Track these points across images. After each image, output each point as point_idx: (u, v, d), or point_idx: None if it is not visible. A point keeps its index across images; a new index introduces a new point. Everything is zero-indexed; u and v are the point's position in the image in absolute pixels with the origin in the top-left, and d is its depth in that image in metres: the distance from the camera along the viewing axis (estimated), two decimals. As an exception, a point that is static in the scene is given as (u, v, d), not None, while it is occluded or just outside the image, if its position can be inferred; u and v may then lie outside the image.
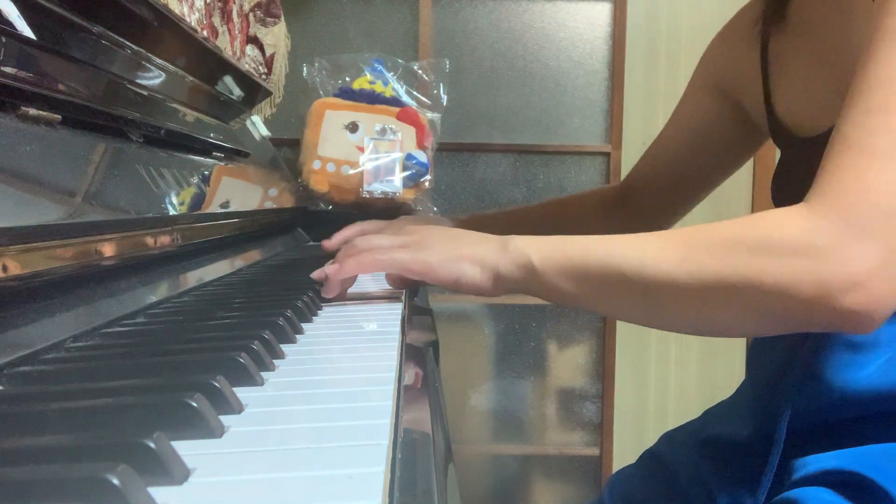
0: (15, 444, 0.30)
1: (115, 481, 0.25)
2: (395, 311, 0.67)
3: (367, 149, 1.56)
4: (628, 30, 1.85)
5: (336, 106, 1.60)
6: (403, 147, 1.58)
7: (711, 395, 1.67)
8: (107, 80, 0.71)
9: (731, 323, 0.57)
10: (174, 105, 0.91)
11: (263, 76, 1.47)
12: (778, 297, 0.53)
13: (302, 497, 0.28)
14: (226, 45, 1.22)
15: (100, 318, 0.54)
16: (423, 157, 1.58)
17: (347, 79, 1.66)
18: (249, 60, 1.42)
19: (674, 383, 1.98)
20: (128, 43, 0.75)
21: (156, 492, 0.27)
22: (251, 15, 1.41)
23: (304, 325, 0.60)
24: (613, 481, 0.89)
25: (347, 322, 0.65)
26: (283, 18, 1.52)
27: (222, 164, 1.00)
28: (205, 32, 1.10)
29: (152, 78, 0.84)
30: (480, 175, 1.89)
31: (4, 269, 0.42)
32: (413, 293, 0.80)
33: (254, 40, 1.44)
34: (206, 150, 0.96)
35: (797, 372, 0.67)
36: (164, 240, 0.70)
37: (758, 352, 0.77)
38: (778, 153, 0.80)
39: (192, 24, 1.02)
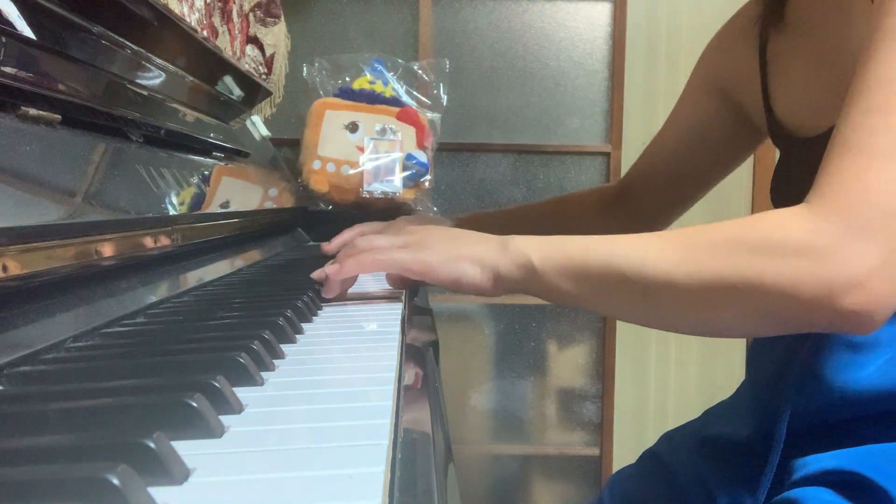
0: (15, 444, 0.30)
1: (115, 481, 0.25)
2: (395, 311, 0.67)
3: (367, 149, 1.56)
4: (628, 30, 1.85)
5: (336, 106, 1.60)
6: (403, 147, 1.58)
7: (711, 395, 1.67)
8: (107, 80, 0.71)
9: (732, 323, 0.56)
10: (174, 105, 0.91)
11: (263, 76, 1.47)
12: (778, 297, 0.53)
13: (302, 497, 0.28)
14: (226, 45, 1.22)
15: (100, 318, 0.54)
16: (423, 157, 1.58)
17: (347, 79, 1.66)
18: (249, 60, 1.42)
19: (674, 383, 1.98)
20: (128, 43, 0.75)
21: (156, 492, 0.27)
22: (251, 15, 1.41)
23: (304, 325, 0.60)
24: (613, 481, 0.89)
25: (347, 322, 0.65)
26: (283, 18, 1.52)
27: (222, 164, 1.00)
28: (205, 32, 1.10)
29: (152, 78, 0.84)
30: (480, 175, 1.89)
31: (4, 269, 0.42)
32: (413, 293, 0.80)
33: (254, 40, 1.44)
34: (206, 150, 0.97)
35: (797, 372, 0.67)
36: (164, 240, 0.70)
37: (758, 352, 0.77)
38: (777, 153, 0.80)
39: (192, 24, 1.02)
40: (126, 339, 0.52)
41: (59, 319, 0.49)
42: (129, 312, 0.58)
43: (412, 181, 1.58)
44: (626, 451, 1.90)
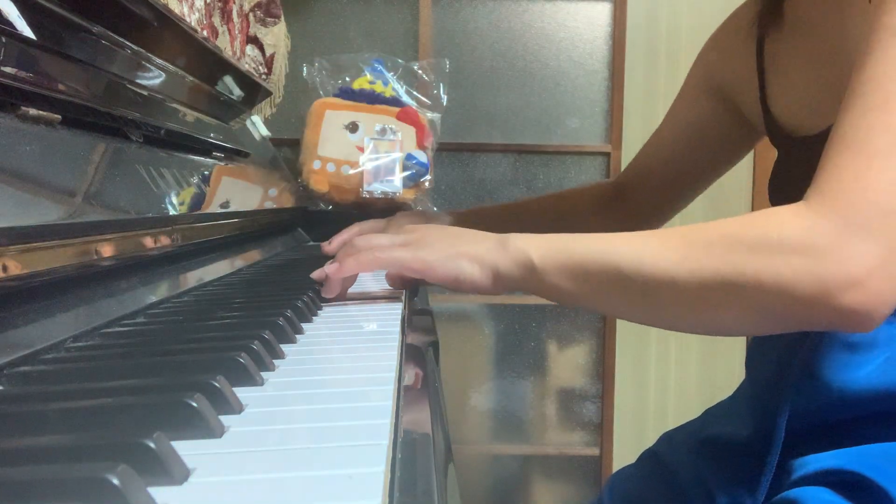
0: (15, 444, 0.30)
1: (115, 481, 0.25)
2: (395, 311, 0.67)
3: (367, 149, 1.56)
4: (628, 30, 1.85)
5: (336, 106, 1.60)
6: (403, 147, 1.58)
7: (711, 395, 1.67)
8: (107, 80, 0.71)
9: (731, 322, 0.57)
10: (174, 105, 0.91)
11: (263, 76, 1.47)
12: (777, 295, 0.53)
13: (302, 497, 0.28)
14: (226, 45, 1.22)
15: (100, 318, 0.54)
16: (423, 157, 1.58)
17: (347, 79, 1.66)
18: (249, 60, 1.42)
19: (674, 383, 1.98)
20: (128, 43, 0.75)
21: (156, 492, 0.27)
22: (251, 15, 1.41)
23: (304, 325, 0.60)
24: (613, 481, 0.89)
25: (347, 322, 0.65)
26: (283, 18, 1.52)
27: (222, 164, 1.00)
28: (205, 32, 1.10)
29: (152, 78, 0.84)
30: (480, 175, 1.89)
31: (4, 269, 0.42)
32: (413, 293, 0.80)
33: (254, 40, 1.44)
34: (206, 150, 0.97)
35: (796, 372, 0.67)
36: (164, 240, 0.70)
37: (757, 352, 0.77)
38: (776, 153, 0.80)
39: (192, 24, 1.02)
40: (126, 339, 0.52)
41: (59, 319, 0.49)
42: (129, 312, 0.58)
43: (412, 181, 1.58)
44: (626, 451, 1.90)
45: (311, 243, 1.40)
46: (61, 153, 0.55)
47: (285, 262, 1.06)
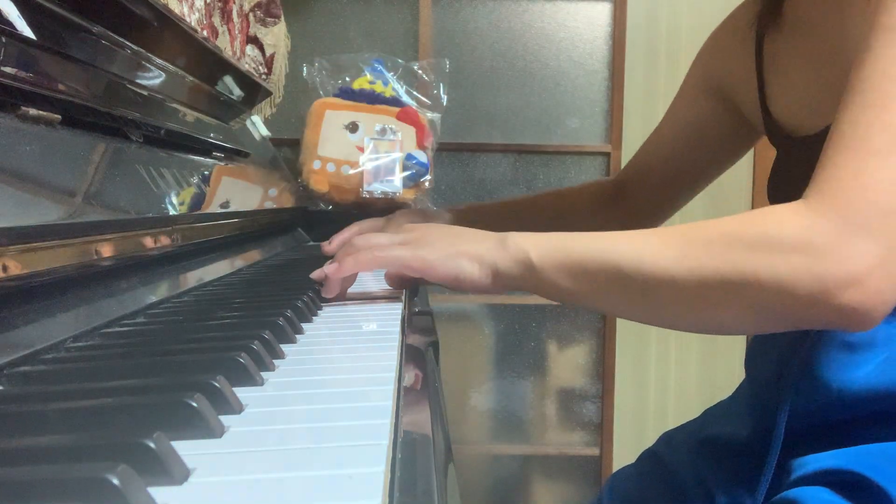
0: (15, 444, 0.30)
1: (115, 481, 0.25)
2: (395, 311, 0.67)
3: (367, 149, 1.56)
4: (628, 30, 1.85)
5: (336, 106, 1.60)
6: (403, 147, 1.58)
7: (711, 395, 1.67)
8: (107, 80, 0.71)
9: (730, 321, 0.57)
10: (174, 105, 0.91)
11: (263, 76, 1.47)
12: (776, 293, 0.53)
13: (302, 497, 0.28)
14: (226, 45, 1.22)
15: (100, 318, 0.54)
16: (423, 157, 1.59)
17: (347, 79, 1.66)
18: (249, 60, 1.42)
19: (674, 383, 1.98)
20: (128, 43, 0.75)
21: (156, 492, 0.27)
22: (251, 15, 1.41)
23: (304, 325, 0.60)
24: (612, 481, 0.89)
25: (347, 322, 0.65)
26: (283, 18, 1.52)
27: (222, 164, 1.00)
28: (205, 32, 1.10)
29: (152, 78, 0.84)
30: (480, 175, 1.89)
31: (4, 269, 0.42)
32: (413, 293, 0.80)
33: (254, 40, 1.44)
34: (206, 150, 0.97)
35: (795, 372, 0.67)
36: (164, 240, 0.70)
37: (756, 352, 0.77)
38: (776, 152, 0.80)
39: (192, 24, 1.02)
40: (126, 339, 0.52)
41: (59, 319, 0.50)
42: (129, 312, 0.58)
43: (412, 181, 1.58)
44: (626, 451, 1.90)
45: (311, 243, 1.40)
46: (61, 153, 0.55)
47: (285, 262, 1.06)
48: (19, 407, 0.36)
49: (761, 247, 0.53)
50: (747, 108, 0.84)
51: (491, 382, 1.94)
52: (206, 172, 0.91)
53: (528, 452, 1.95)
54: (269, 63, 1.49)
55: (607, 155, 1.88)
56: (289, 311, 0.58)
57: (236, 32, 1.29)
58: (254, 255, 1.03)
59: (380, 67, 1.67)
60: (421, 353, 0.59)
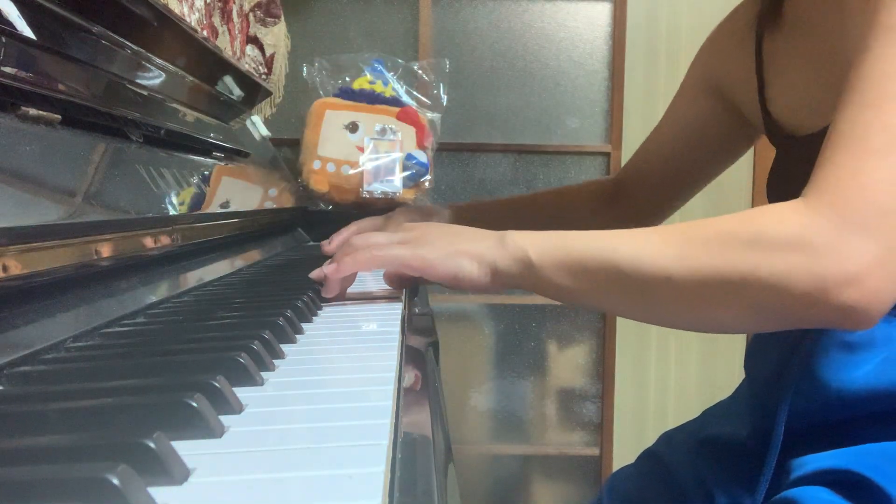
0: (15, 444, 0.30)
1: (115, 481, 0.25)
2: (395, 311, 0.67)
3: (367, 149, 1.56)
4: (628, 30, 1.85)
5: (336, 106, 1.60)
6: (403, 147, 1.58)
7: (711, 395, 1.67)
8: (107, 80, 0.71)
9: (729, 319, 0.57)
10: (174, 105, 0.91)
11: (263, 76, 1.47)
12: (774, 292, 0.53)
13: (302, 497, 0.28)
14: (226, 45, 1.22)
15: (100, 318, 0.54)
16: (423, 157, 1.58)
17: (347, 79, 1.66)
18: (249, 60, 1.42)
19: (674, 383, 1.98)
20: (128, 43, 0.75)
21: (156, 492, 0.27)
22: (251, 15, 1.41)
23: (304, 325, 0.60)
24: (612, 481, 0.89)
25: (347, 322, 0.65)
26: (283, 18, 1.52)
27: (222, 164, 1.00)
28: (205, 32, 1.10)
29: (152, 78, 0.84)
30: (480, 175, 1.89)
31: (4, 269, 0.42)
32: (413, 293, 0.80)
33: (254, 40, 1.44)
34: (206, 150, 0.97)
35: (794, 372, 0.67)
36: (164, 240, 0.70)
37: (755, 352, 0.78)
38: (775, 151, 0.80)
39: (192, 24, 1.02)
40: (126, 339, 0.52)
41: (59, 319, 0.50)
42: (129, 312, 0.58)
43: (412, 181, 1.58)
44: (626, 451, 1.90)
45: (311, 243, 1.40)
46: (61, 153, 0.55)
47: (285, 262, 1.06)
48: (19, 407, 0.36)
49: (759, 245, 0.53)
50: (747, 107, 0.84)
51: (491, 382, 1.94)
52: (206, 172, 0.91)
53: (528, 452, 1.95)
54: (269, 63, 1.49)
55: (607, 155, 1.88)
56: (289, 311, 0.58)
57: (236, 32, 1.29)
58: (254, 255, 1.03)
59: (380, 67, 1.67)
60: (421, 353, 0.59)
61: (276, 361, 0.48)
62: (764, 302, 0.54)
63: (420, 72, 1.72)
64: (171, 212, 0.72)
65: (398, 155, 1.57)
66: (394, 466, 0.33)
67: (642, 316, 0.62)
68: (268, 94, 1.39)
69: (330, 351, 0.55)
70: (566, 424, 1.95)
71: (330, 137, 1.56)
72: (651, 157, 0.99)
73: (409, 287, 0.76)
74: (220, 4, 1.18)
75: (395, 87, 1.66)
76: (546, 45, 1.87)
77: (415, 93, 1.70)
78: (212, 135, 1.00)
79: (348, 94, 1.63)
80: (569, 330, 1.93)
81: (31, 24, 0.56)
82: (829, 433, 0.64)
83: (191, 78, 0.97)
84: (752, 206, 1.91)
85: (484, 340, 1.93)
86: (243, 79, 1.20)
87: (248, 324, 0.55)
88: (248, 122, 1.35)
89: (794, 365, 0.67)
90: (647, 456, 0.87)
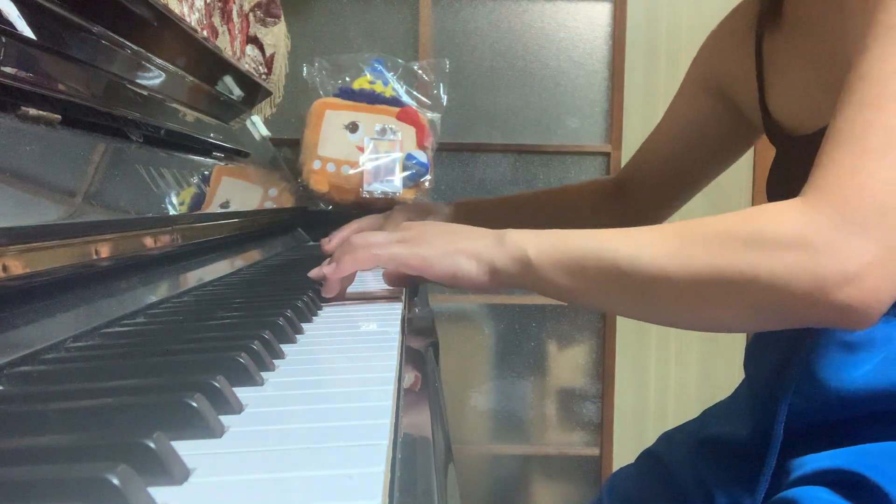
0: (15, 444, 0.30)
1: (115, 481, 0.25)
2: (395, 310, 0.67)
3: (367, 149, 1.56)
4: (628, 30, 1.85)
5: (336, 106, 1.60)
6: (403, 147, 1.58)
7: (711, 395, 1.67)
8: (107, 80, 0.71)
9: (728, 318, 0.56)
10: (174, 105, 0.91)
11: (263, 76, 1.47)
12: (772, 291, 0.53)
13: (302, 497, 0.28)
14: (226, 45, 1.22)
15: (100, 318, 0.54)
16: (423, 157, 1.58)
17: (347, 79, 1.66)
18: (249, 60, 1.42)
19: (674, 383, 1.98)
20: (128, 43, 0.75)
21: (156, 492, 0.27)
22: (251, 15, 1.41)
23: (304, 325, 0.60)
24: (612, 481, 0.89)
25: (347, 322, 0.65)
26: (283, 18, 1.52)
27: (222, 164, 1.00)
28: (205, 32, 1.10)
29: (152, 78, 0.84)
30: (480, 175, 1.89)
31: (4, 269, 0.42)
32: (413, 292, 0.80)
33: (254, 40, 1.44)
34: (206, 150, 0.97)
35: (794, 372, 0.67)
36: (164, 240, 0.70)
37: (755, 352, 0.78)
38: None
39: (192, 24, 1.02)
40: (126, 339, 0.52)
41: (59, 319, 0.50)
42: (129, 312, 0.58)
43: (412, 181, 1.58)
44: (626, 451, 1.90)
45: (311, 243, 1.40)
46: (61, 153, 0.55)
47: (285, 262, 1.06)
48: (19, 407, 0.36)
49: (758, 244, 0.53)
50: (747, 107, 0.84)
51: (491, 382, 1.94)
52: (206, 172, 0.91)
53: (528, 452, 1.95)
54: (269, 63, 1.49)
55: (607, 155, 1.88)
56: (289, 311, 0.58)
57: (236, 32, 1.29)
58: (254, 255, 1.03)
59: (380, 67, 1.67)
60: (421, 354, 0.59)
61: (276, 361, 0.48)
62: (763, 301, 0.53)
63: (420, 72, 1.72)
64: (171, 212, 0.72)
65: (398, 155, 1.57)
66: (394, 466, 0.33)
67: (641, 315, 0.62)
68: (268, 94, 1.39)
69: (330, 351, 0.55)
70: (566, 424, 1.95)
71: (330, 137, 1.56)
72: (651, 156, 0.99)
73: (408, 286, 0.76)
74: (220, 4, 1.18)
75: (395, 87, 1.66)
76: (546, 45, 1.87)
77: (415, 93, 1.70)
78: (212, 135, 1.00)
79: (348, 94, 1.63)
80: (569, 330, 1.93)
81: (31, 24, 0.56)
82: (829, 433, 0.64)
83: (191, 78, 0.97)
84: (752, 206, 1.90)
85: (484, 340, 1.93)
86: (243, 79, 1.20)
87: (248, 324, 0.55)
88: (248, 122, 1.35)
89: (794, 365, 0.67)
90: (647, 456, 0.87)
